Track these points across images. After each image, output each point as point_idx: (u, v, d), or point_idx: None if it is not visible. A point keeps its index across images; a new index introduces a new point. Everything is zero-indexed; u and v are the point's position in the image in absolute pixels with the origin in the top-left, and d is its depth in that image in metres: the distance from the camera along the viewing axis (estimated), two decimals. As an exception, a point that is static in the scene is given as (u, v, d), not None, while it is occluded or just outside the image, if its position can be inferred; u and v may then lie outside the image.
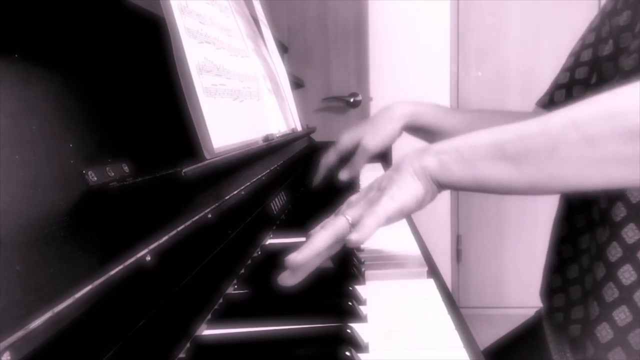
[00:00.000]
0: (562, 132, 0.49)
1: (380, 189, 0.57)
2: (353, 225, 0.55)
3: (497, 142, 0.52)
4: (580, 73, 0.82)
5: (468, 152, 0.54)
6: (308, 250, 0.53)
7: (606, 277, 0.68)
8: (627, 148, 0.47)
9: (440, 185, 0.56)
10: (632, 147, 0.47)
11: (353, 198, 0.60)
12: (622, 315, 0.67)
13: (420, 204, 0.57)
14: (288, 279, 0.54)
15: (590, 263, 0.72)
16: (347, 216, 0.56)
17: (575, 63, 0.84)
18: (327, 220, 0.59)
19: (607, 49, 0.76)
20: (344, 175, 0.93)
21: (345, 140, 0.95)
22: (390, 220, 0.55)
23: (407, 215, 0.58)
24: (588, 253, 0.73)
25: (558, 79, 0.86)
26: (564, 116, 0.50)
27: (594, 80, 0.78)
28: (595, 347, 0.68)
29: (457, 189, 0.56)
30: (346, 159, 0.95)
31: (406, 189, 0.55)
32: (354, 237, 0.53)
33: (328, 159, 0.95)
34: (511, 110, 1.03)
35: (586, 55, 0.81)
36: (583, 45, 0.83)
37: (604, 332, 0.68)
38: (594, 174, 0.50)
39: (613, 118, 0.47)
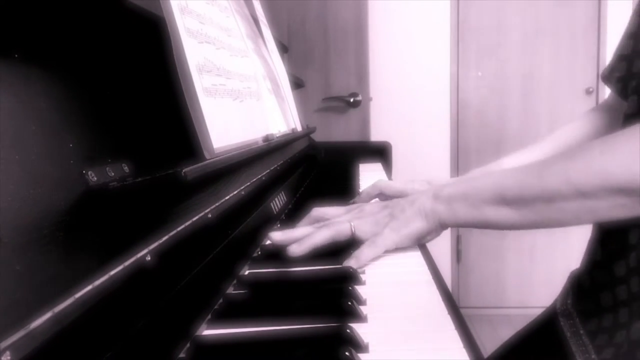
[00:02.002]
0: (558, 187, 0.54)
1: (391, 214, 0.64)
2: (354, 234, 0.63)
3: (499, 190, 0.58)
4: None
5: (474, 198, 0.60)
6: (307, 245, 0.61)
7: None
8: (618, 199, 0.51)
9: (447, 226, 0.63)
10: (622, 199, 0.51)
11: (367, 207, 0.68)
12: None
13: (419, 241, 0.65)
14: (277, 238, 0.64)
15: (638, 264, 0.65)
16: (353, 226, 0.64)
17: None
18: (332, 215, 0.67)
19: None
20: None
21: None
22: (386, 250, 0.63)
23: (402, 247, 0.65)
24: (636, 250, 0.65)
25: (623, 49, 0.76)
26: (558, 172, 0.55)
27: None
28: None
29: (462, 227, 0.63)
30: None
31: (411, 225, 0.63)
32: (352, 263, 0.59)
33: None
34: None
35: None
36: None
37: None
38: (590, 217, 0.55)
39: (603, 176, 0.52)
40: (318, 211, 0.71)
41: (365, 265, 0.61)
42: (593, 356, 0.69)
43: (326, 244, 0.63)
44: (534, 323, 0.87)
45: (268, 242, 0.65)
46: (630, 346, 0.63)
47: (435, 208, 0.62)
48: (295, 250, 0.61)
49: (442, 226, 0.63)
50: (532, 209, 0.56)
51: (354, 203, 0.80)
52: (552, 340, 0.78)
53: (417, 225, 0.63)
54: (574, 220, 0.55)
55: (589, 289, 0.73)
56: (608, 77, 0.79)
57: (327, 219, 0.69)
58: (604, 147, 0.53)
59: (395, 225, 0.63)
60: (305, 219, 0.71)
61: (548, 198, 0.55)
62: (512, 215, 0.57)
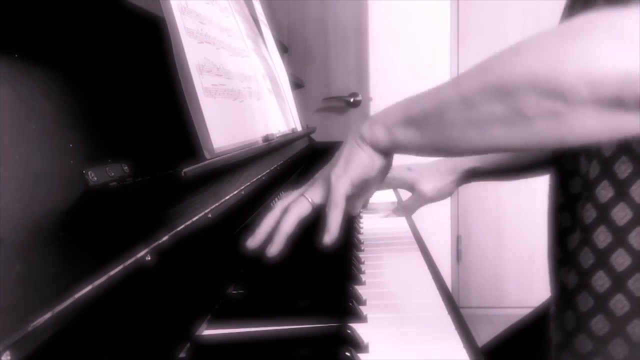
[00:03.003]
0: (446, 94, 0.50)
1: (332, 164, 0.62)
2: (314, 204, 0.61)
3: (405, 107, 0.55)
4: None
5: (388, 119, 0.57)
6: (280, 239, 0.60)
7: (596, 264, 0.63)
8: (498, 107, 0.45)
9: (379, 150, 0.59)
10: (502, 106, 0.45)
11: (316, 175, 0.65)
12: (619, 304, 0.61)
13: (371, 170, 0.60)
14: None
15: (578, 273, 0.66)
16: (308, 198, 0.62)
17: None
18: (289, 201, 0.64)
19: None
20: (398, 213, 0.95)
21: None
22: (348, 195, 0.60)
23: (363, 184, 0.61)
24: (576, 255, 0.66)
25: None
26: (452, 79, 0.51)
27: None
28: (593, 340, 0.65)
29: (389, 152, 0.60)
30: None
31: (351, 161, 0.60)
32: (326, 238, 0.58)
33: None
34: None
35: None
36: None
37: (600, 325, 0.65)
38: (477, 136, 0.49)
39: (482, 75, 0.47)
40: (285, 199, 0.68)
41: (337, 228, 0.59)
42: None
43: (294, 225, 0.61)
44: (524, 322, 0.88)
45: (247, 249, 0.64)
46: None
47: (363, 133, 0.59)
48: (272, 250, 0.60)
49: (377, 151, 0.59)
50: (428, 124, 0.52)
51: None
52: (541, 342, 0.78)
53: (356, 157, 0.60)
54: (463, 139, 0.50)
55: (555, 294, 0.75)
56: None
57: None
58: (494, 54, 0.49)
59: (338, 170, 0.60)
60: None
61: (438, 108, 0.51)
62: (415, 134, 0.54)
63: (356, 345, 0.41)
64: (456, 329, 0.45)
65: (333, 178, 0.60)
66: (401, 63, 2.61)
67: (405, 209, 0.95)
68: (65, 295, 0.31)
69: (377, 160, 0.60)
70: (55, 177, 0.36)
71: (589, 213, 0.63)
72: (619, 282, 0.61)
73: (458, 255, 2.80)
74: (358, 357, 0.40)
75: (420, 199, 0.90)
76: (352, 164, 0.60)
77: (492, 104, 0.46)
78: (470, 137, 0.50)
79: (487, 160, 0.89)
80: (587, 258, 0.63)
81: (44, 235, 0.33)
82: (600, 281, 0.62)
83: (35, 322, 0.28)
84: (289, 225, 0.61)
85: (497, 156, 0.89)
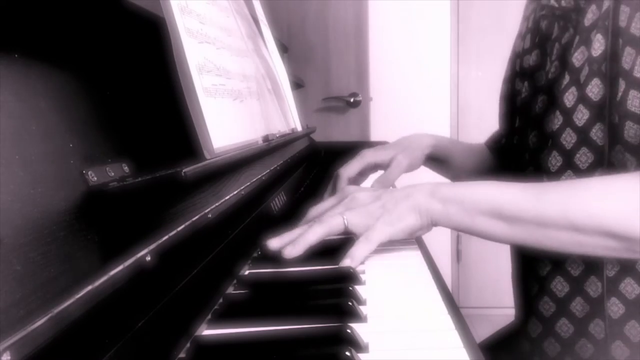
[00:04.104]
0: (553, 217, 0.56)
1: (384, 207, 0.63)
2: (347, 228, 0.63)
3: (496, 204, 0.59)
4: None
5: (469, 205, 0.60)
6: (302, 245, 0.61)
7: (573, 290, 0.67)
8: (608, 242, 0.55)
9: (438, 225, 0.63)
10: (612, 242, 0.54)
11: (359, 197, 0.67)
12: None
13: (411, 235, 0.64)
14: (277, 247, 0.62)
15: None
16: (345, 220, 0.63)
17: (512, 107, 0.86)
18: (325, 212, 0.66)
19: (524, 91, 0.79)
20: (376, 186, 0.96)
21: (370, 156, 0.93)
22: (380, 243, 0.62)
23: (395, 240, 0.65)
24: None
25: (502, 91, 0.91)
26: (556, 203, 0.57)
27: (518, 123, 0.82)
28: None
29: (453, 229, 0.66)
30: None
31: (404, 221, 0.62)
32: (347, 262, 0.60)
33: (349, 170, 0.91)
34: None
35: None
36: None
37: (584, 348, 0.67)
38: (576, 250, 0.58)
39: (599, 219, 0.54)
40: (314, 210, 0.70)
41: (360, 262, 0.60)
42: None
43: (321, 241, 0.62)
44: (515, 324, 0.89)
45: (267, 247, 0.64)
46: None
47: (430, 206, 0.62)
48: (291, 252, 0.61)
49: (433, 224, 0.64)
50: (524, 228, 0.58)
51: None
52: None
53: (410, 220, 0.63)
54: (560, 248, 0.58)
55: None
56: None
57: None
58: (604, 189, 0.56)
59: (388, 219, 0.62)
60: (303, 222, 0.70)
61: (542, 224, 0.57)
62: (504, 229, 0.59)
63: (356, 345, 0.41)
64: (456, 329, 0.45)
65: (379, 224, 0.62)
66: (401, 63, 2.61)
67: (385, 181, 0.95)
68: (65, 295, 0.31)
69: (425, 230, 0.64)
70: (55, 177, 0.36)
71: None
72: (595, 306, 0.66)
73: (458, 255, 2.80)
74: (358, 357, 0.40)
75: (397, 169, 0.92)
76: (402, 225, 0.62)
77: (608, 242, 0.55)
78: (569, 249, 0.58)
79: (439, 150, 0.99)
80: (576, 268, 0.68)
81: (44, 235, 0.33)
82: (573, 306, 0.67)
83: (35, 322, 0.28)
84: (315, 237, 0.62)
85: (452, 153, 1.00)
